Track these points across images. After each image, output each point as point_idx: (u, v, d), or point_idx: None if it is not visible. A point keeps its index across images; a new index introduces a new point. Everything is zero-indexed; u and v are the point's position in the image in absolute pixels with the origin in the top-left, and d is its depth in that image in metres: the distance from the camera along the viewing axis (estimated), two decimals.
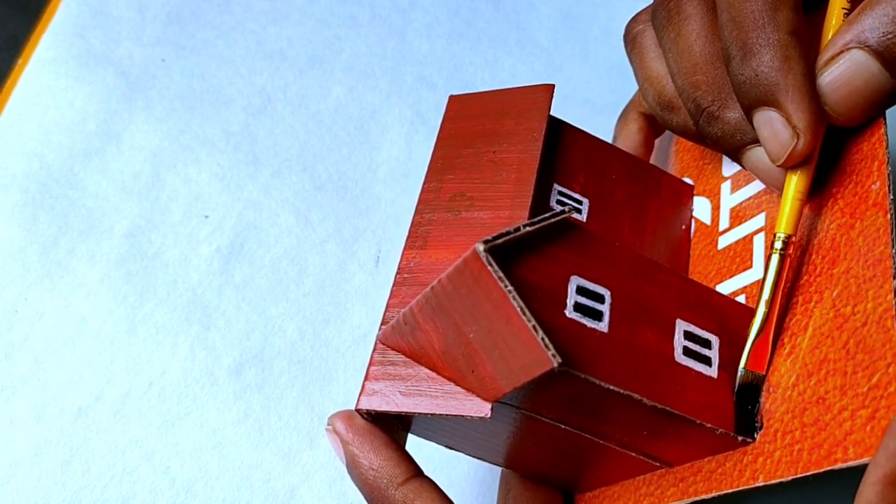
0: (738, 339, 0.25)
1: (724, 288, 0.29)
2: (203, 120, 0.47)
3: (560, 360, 0.19)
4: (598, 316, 0.23)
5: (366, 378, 0.26)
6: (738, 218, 0.30)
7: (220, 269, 0.42)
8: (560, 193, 0.29)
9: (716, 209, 0.31)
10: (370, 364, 0.26)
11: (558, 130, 0.30)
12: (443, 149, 0.31)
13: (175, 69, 0.48)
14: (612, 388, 0.21)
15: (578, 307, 0.22)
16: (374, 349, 0.26)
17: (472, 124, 0.30)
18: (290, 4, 0.51)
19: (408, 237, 0.29)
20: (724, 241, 0.30)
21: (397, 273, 0.27)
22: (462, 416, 0.23)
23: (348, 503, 0.37)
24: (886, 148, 0.24)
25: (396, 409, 0.25)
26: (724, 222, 0.31)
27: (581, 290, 0.23)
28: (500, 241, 0.21)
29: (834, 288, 0.23)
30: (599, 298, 0.23)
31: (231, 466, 0.38)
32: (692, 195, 0.33)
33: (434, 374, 0.25)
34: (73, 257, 0.42)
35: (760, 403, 0.24)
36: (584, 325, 0.22)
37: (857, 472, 0.19)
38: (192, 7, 0.50)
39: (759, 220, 0.29)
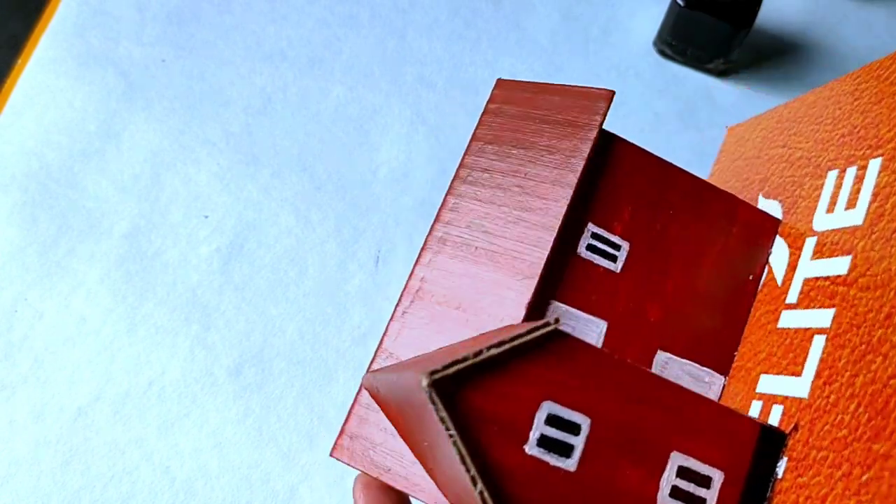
0: (743, 476, 0.21)
1: (766, 384, 0.24)
2: (203, 120, 0.47)
3: None
4: (566, 451, 0.19)
5: (345, 422, 0.24)
6: (809, 298, 0.24)
7: (220, 269, 0.42)
8: (594, 236, 0.25)
9: (791, 269, 0.26)
10: (352, 406, 0.24)
11: (608, 147, 0.25)
12: (474, 154, 0.27)
13: (175, 69, 0.48)
14: None
15: (543, 441, 0.19)
16: (360, 392, 0.24)
17: (513, 126, 0.26)
18: (290, 4, 0.51)
19: (413, 266, 0.25)
20: (786, 319, 0.25)
21: (402, 296, 0.24)
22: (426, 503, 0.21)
23: (348, 503, 0.37)
24: None
25: (365, 471, 0.23)
26: (793, 294, 0.25)
27: (552, 420, 0.19)
28: (451, 370, 0.18)
29: (868, 468, 0.19)
30: (574, 429, 0.20)
31: (231, 466, 0.38)
32: (775, 233, 0.27)
33: (404, 448, 0.22)
34: (73, 257, 0.42)
35: None
36: (546, 464, 0.19)
37: None
38: (192, 7, 0.50)
39: (824, 318, 0.23)
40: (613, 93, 0.25)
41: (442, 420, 0.18)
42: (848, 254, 0.24)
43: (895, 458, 0.18)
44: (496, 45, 0.51)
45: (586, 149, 0.24)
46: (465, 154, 0.27)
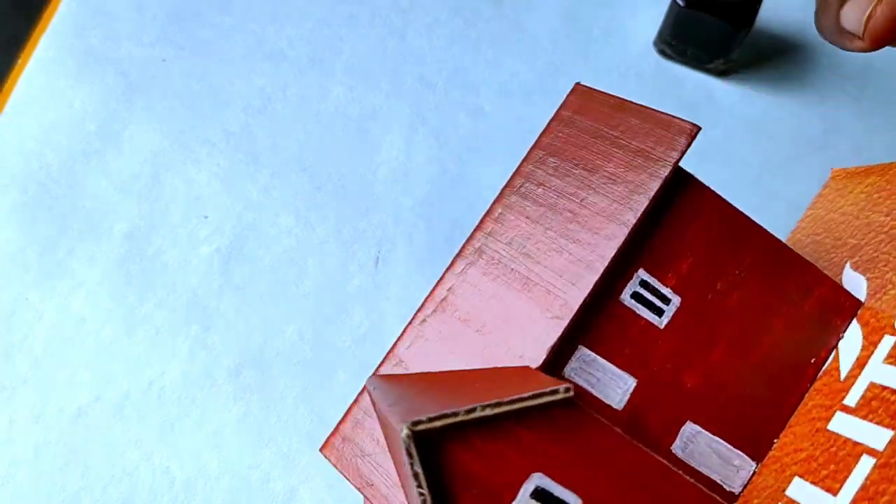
0: None
1: (797, 490, 0.21)
2: (203, 120, 0.47)
3: None
4: None
5: (341, 422, 0.23)
6: (870, 408, 0.21)
7: (220, 269, 0.42)
8: (643, 283, 0.22)
9: (860, 365, 0.22)
10: (351, 407, 0.23)
11: (681, 187, 0.22)
12: (533, 162, 0.24)
13: (175, 69, 0.48)
14: None
15: None
16: (361, 393, 0.23)
17: (581, 142, 0.24)
18: (290, 4, 0.51)
19: (460, 251, 0.23)
20: (838, 423, 0.22)
21: (425, 303, 0.23)
22: None
23: (347, 503, 0.37)
24: None
25: (349, 479, 0.22)
26: (854, 395, 0.22)
27: (539, 494, 0.18)
28: (437, 423, 0.16)
29: None
30: None
31: (230, 467, 0.38)
32: (853, 316, 0.24)
33: (391, 466, 0.21)
34: (73, 258, 0.42)
35: None
36: None
37: None
38: (192, 7, 0.50)
39: (881, 437, 0.20)
40: (699, 128, 0.23)
41: (415, 476, 0.16)
42: None
43: None
44: (496, 45, 0.51)
45: (655, 186, 0.21)
46: (523, 161, 0.24)
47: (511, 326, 0.21)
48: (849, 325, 0.23)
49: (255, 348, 0.41)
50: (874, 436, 0.20)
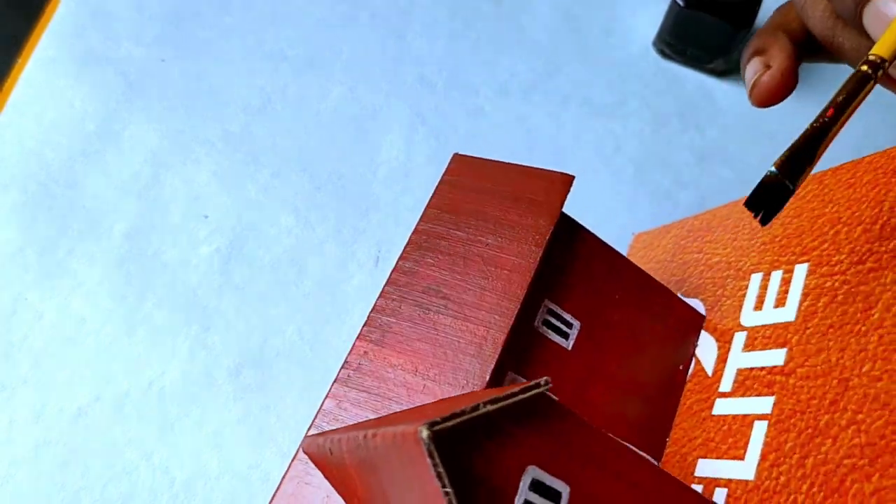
0: None
1: (705, 468, 0.25)
2: (202, 120, 0.47)
3: None
4: None
5: (280, 484, 0.22)
6: (745, 387, 0.26)
7: (220, 269, 0.42)
8: (550, 312, 0.25)
9: (721, 360, 0.27)
10: (286, 473, 0.23)
11: (567, 231, 0.26)
12: (431, 220, 0.27)
13: (175, 69, 0.48)
14: None
15: None
16: (295, 458, 0.23)
17: (471, 199, 0.26)
18: (290, 4, 0.51)
19: (365, 323, 0.25)
20: (721, 407, 0.26)
21: (343, 366, 0.24)
22: None
23: None
24: None
25: None
26: (726, 383, 0.27)
27: (536, 486, 0.19)
28: (449, 423, 0.17)
29: None
30: (556, 496, 0.19)
31: (230, 467, 0.38)
32: (700, 327, 0.29)
33: None
34: (73, 257, 0.42)
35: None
36: None
37: None
38: (191, 7, 0.50)
39: (765, 404, 0.25)
40: (573, 178, 0.26)
41: (439, 476, 0.17)
42: (783, 346, 0.25)
43: None
44: (496, 45, 0.51)
45: (549, 227, 0.25)
46: (420, 221, 0.27)
47: (446, 363, 0.23)
48: (699, 335, 0.29)
49: (255, 348, 0.41)
50: (759, 405, 0.25)
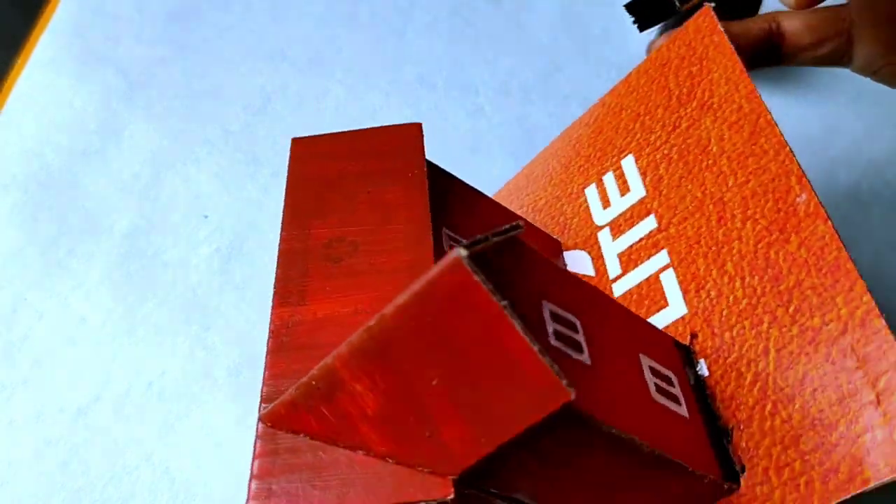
0: (685, 379, 0.23)
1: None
2: (203, 119, 0.47)
3: (574, 392, 0.16)
4: (578, 347, 0.19)
5: (252, 476, 0.20)
6: (633, 261, 0.28)
7: (220, 269, 0.42)
8: (451, 238, 0.25)
9: (598, 258, 0.30)
10: (255, 457, 0.20)
11: (433, 174, 0.26)
12: (296, 193, 0.26)
13: (175, 68, 0.48)
14: (614, 431, 0.18)
15: (559, 336, 0.19)
16: (258, 436, 0.20)
17: (331, 165, 0.26)
18: (290, 4, 0.51)
19: (275, 294, 0.23)
20: (621, 287, 0.28)
21: (270, 336, 0.22)
22: (410, 503, 0.18)
23: None
24: (798, 163, 0.24)
25: None
26: (613, 269, 0.29)
27: (555, 317, 0.19)
28: (478, 246, 0.17)
29: (788, 304, 0.22)
30: (573, 327, 0.19)
31: (230, 466, 0.38)
32: (560, 251, 0.31)
33: (362, 455, 0.19)
34: (73, 257, 0.42)
35: (732, 443, 0.22)
36: (570, 356, 0.19)
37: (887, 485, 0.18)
38: (191, 6, 0.50)
39: (661, 259, 0.27)
40: (421, 125, 0.25)
41: (493, 292, 0.15)
42: (648, 215, 0.28)
43: (805, 284, 0.22)
44: (496, 45, 0.51)
45: (423, 164, 0.24)
46: (286, 196, 0.26)
47: (376, 294, 0.22)
48: (562, 256, 0.31)
49: (255, 348, 0.41)
50: (655, 262, 0.27)
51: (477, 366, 0.17)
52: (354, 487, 0.18)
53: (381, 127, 0.26)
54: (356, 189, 0.25)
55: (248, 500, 0.19)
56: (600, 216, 0.30)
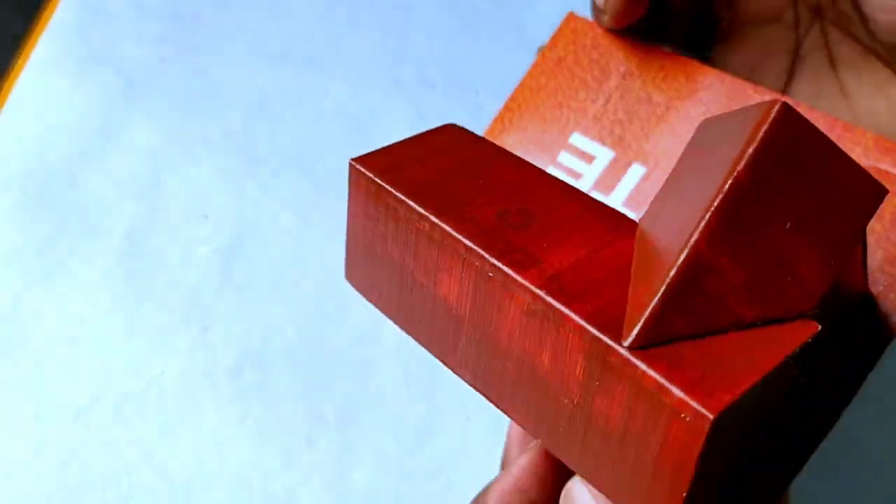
0: None
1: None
2: (202, 119, 0.47)
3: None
4: None
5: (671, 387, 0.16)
6: (643, 204, 0.29)
7: (220, 269, 0.42)
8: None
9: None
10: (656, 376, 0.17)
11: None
12: (417, 198, 0.24)
13: (174, 68, 0.48)
14: None
15: None
16: (640, 360, 0.17)
17: (420, 167, 0.24)
18: (290, 4, 0.51)
19: (502, 268, 0.20)
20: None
21: (552, 294, 0.19)
22: (792, 350, 0.17)
23: None
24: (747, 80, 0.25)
25: (745, 387, 0.17)
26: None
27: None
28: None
29: None
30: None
31: (230, 467, 0.38)
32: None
33: (738, 334, 0.17)
34: (73, 257, 0.42)
35: None
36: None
37: None
38: (191, 6, 0.50)
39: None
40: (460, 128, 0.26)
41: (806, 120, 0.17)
42: (631, 164, 0.29)
43: None
44: (496, 45, 0.51)
45: (497, 147, 0.26)
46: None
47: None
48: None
49: (255, 348, 0.41)
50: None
51: (814, 195, 0.18)
52: (751, 356, 0.17)
53: (418, 134, 0.26)
54: (466, 178, 0.24)
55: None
56: (578, 186, 0.30)
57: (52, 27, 0.49)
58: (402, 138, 0.27)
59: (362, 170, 0.25)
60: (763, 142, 0.17)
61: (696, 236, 0.17)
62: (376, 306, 0.24)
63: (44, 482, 0.37)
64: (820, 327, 0.18)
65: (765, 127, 0.17)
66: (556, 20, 0.53)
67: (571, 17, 0.32)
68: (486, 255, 0.20)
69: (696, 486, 0.16)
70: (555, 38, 0.33)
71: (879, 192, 0.18)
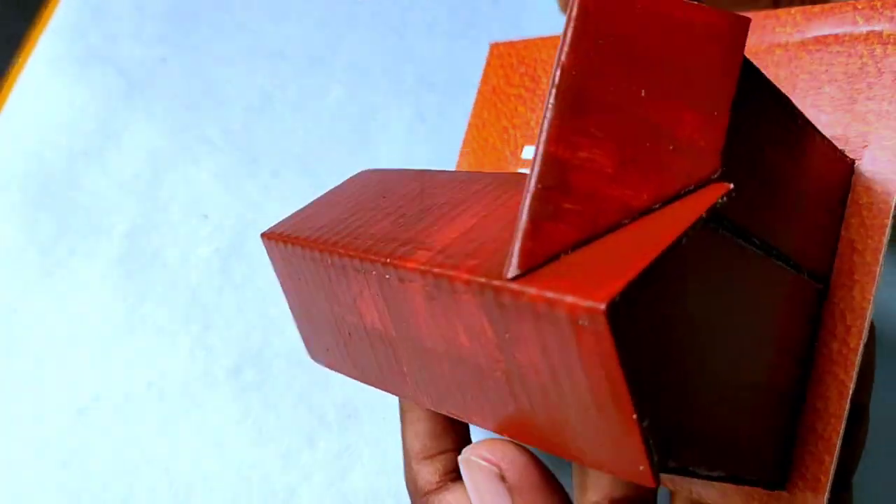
0: None
1: None
2: (202, 119, 0.47)
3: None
4: None
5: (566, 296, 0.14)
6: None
7: (220, 268, 0.42)
8: None
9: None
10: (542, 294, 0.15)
11: None
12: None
13: (174, 68, 0.48)
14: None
15: None
16: (525, 285, 0.15)
17: (322, 218, 0.24)
18: (290, 3, 0.51)
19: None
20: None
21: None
22: (697, 217, 0.15)
23: None
24: None
25: (640, 268, 0.14)
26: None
27: None
28: None
29: None
30: None
31: (230, 467, 0.38)
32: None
33: (637, 223, 0.16)
34: (73, 257, 0.42)
35: None
36: None
37: None
38: (191, 6, 0.50)
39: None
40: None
41: None
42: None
43: None
44: None
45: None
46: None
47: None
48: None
49: (255, 348, 0.41)
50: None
51: (663, 53, 0.16)
52: (626, 251, 0.15)
53: (334, 188, 0.27)
54: (370, 204, 0.25)
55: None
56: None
57: (52, 27, 0.49)
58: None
59: (272, 239, 0.25)
60: (577, 23, 0.16)
61: (542, 141, 0.16)
62: (348, 376, 0.24)
63: (44, 482, 0.37)
64: (731, 186, 0.15)
65: (574, 9, 0.16)
66: (555, 20, 0.54)
67: (493, 46, 0.32)
68: (377, 259, 0.19)
69: (647, 404, 0.14)
70: (485, 72, 0.33)
71: (741, 23, 0.16)
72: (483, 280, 0.16)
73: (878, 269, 0.21)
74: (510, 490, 0.19)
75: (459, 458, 0.20)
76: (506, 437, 0.19)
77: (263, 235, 0.24)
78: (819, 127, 0.21)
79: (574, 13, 0.16)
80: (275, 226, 0.24)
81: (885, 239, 0.21)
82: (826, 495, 0.20)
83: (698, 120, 0.16)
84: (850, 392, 0.20)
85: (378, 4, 0.52)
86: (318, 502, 0.37)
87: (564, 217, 0.16)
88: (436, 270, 0.17)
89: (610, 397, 0.14)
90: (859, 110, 0.22)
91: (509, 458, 0.19)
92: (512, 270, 0.16)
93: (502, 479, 0.19)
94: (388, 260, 0.19)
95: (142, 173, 0.45)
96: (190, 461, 0.38)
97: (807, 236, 0.20)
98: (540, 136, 0.16)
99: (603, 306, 0.13)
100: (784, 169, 0.19)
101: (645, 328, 0.14)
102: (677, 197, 0.16)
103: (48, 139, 0.45)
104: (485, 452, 0.19)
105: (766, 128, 0.18)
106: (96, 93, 0.47)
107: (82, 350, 0.40)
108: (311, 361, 0.41)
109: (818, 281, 0.21)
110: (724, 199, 0.15)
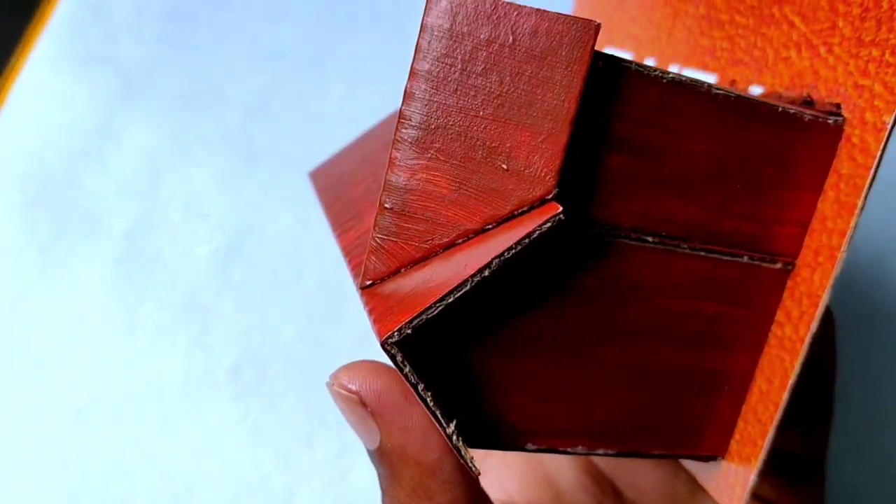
0: None
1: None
2: (202, 119, 0.47)
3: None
4: None
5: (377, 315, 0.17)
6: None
7: (219, 269, 0.42)
8: None
9: None
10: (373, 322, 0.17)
11: None
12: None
13: (174, 68, 0.48)
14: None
15: None
16: (365, 297, 0.18)
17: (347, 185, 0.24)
18: (290, 4, 0.51)
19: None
20: None
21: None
22: (517, 241, 0.16)
23: None
24: None
25: (430, 301, 0.16)
26: None
27: None
28: None
29: None
30: None
31: (229, 467, 0.38)
32: None
33: (471, 243, 0.17)
34: (73, 257, 0.42)
35: None
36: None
37: None
38: (190, 6, 0.50)
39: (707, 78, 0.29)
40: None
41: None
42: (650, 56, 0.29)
43: None
44: None
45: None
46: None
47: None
48: None
49: (255, 348, 0.41)
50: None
51: (505, 70, 0.16)
52: (442, 277, 0.16)
53: (366, 135, 0.27)
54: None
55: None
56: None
57: (51, 27, 0.49)
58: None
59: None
60: (421, 43, 0.17)
61: (387, 163, 0.17)
62: None
63: (44, 482, 0.37)
64: (560, 209, 0.16)
65: (421, 30, 0.16)
66: None
67: None
68: (335, 228, 0.21)
69: (449, 418, 0.17)
70: None
71: (587, 29, 0.15)
72: (357, 282, 0.19)
73: (841, 255, 0.19)
74: (372, 415, 0.20)
75: (325, 384, 0.21)
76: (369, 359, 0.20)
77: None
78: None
79: (419, 35, 0.17)
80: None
81: (854, 221, 0.19)
82: (754, 476, 0.20)
83: (535, 140, 0.16)
84: (792, 382, 0.19)
85: (378, 4, 0.52)
86: (318, 502, 0.37)
87: (404, 236, 0.17)
88: (346, 259, 0.20)
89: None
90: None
91: (367, 384, 0.20)
92: (361, 281, 0.18)
93: (364, 405, 0.20)
94: (338, 232, 0.21)
95: (141, 173, 0.45)
96: (190, 461, 0.38)
97: (757, 213, 0.20)
98: (384, 161, 0.17)
99: (382, 339, 0.16)
100: (688, 147, 0.18)
101: (442, 347, 0.17)
102: (511, 218, 0.16)
103: (48, 139, 0.45)
104: (344, 381, 0.21)
105: (647, 114, 0.17)
106: (96, 93, 0.47)
107: (82, 350, 0.40)
108: (311, 361, 0.41)
109: (788, 258, 0.20)
110: (550, 223, 0.16)
